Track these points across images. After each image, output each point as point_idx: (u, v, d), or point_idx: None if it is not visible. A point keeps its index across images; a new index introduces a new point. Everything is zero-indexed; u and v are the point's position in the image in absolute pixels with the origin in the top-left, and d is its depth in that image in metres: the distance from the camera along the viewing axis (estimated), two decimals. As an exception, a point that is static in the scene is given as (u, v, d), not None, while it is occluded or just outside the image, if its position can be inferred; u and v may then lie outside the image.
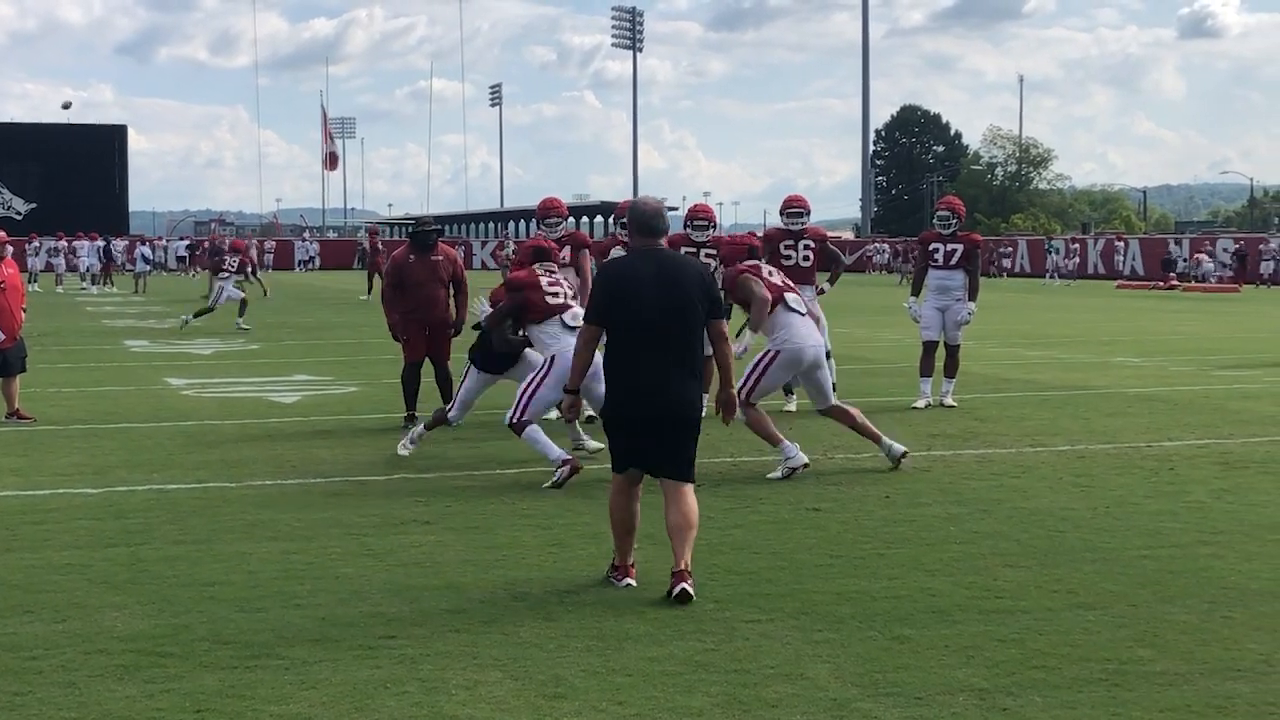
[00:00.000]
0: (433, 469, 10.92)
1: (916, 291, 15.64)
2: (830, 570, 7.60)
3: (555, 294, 10.88)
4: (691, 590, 6.88)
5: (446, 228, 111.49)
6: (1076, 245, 62.42)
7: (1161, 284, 52.19)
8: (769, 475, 10.44)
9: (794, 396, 14.44)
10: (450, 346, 13.40)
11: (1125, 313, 34.72)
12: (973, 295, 14.88)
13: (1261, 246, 55.45)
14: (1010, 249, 66.09)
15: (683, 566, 6.95)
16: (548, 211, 14.24)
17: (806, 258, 14.37)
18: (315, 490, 10.05)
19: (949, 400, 14.70)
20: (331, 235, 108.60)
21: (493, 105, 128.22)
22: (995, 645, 6.18)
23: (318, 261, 78.73)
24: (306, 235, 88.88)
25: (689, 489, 7.17)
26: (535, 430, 10.43)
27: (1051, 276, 58.30)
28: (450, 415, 11.42)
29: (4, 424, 13.63)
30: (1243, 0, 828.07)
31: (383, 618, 6.64)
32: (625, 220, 14.34)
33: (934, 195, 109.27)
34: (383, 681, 5.68)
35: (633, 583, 7.18)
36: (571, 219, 57.72)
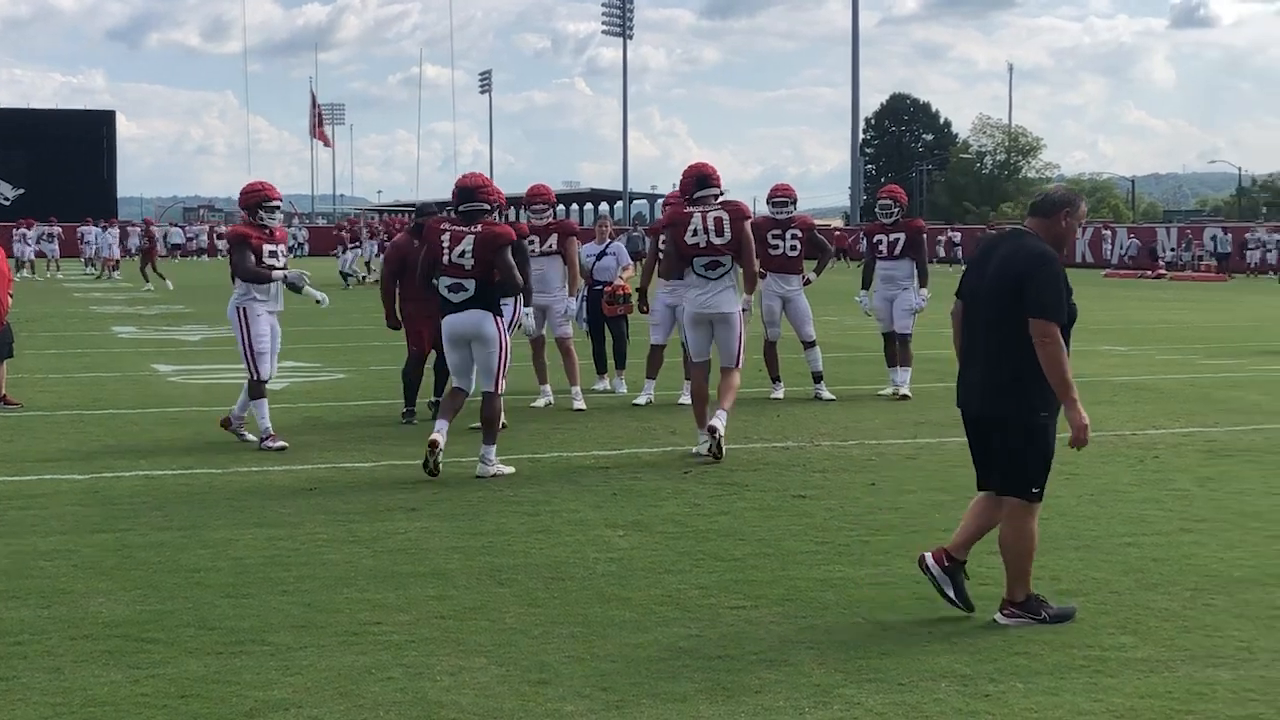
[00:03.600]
0: (419, 456, 10.91)
1: (866, 284, 15.36)
2: (815, 557, 7.63)
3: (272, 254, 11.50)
4: (1001, 620, 6.33)
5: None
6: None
7: (1149, 273, 52.32)
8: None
9: (781, 384, 14.48)
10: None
11: (1113, 301, 34.76)
12: (923, 281, 14.67)
13: (1247, 235, 55.55)
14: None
15: (1005, 595, 6.41)
16: (534, 198, 14.21)
17: (794, 247, 14.36)
18: (302, 477, 10.05)
19: (905, 390, 14.50)
20: (320, 221, 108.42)
21: (483, 92, 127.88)
22: (978, 632, 6.21)
23: (306, 248, 78.65)
24: (295, 222, 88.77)
25: (1012, 505, 6.43)
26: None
27: None
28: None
29: (-9, 410, 13.62)
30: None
31: (368, 604, 6.66)
32: (667, 208, 14.41)
33: (924, 184, 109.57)
34: (367, 667, 5.70)
35: (1012, 623, 6.33)
36: (561, 206, 57.70)
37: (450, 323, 10.24)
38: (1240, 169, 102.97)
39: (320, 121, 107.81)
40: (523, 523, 8.49)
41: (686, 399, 13.72)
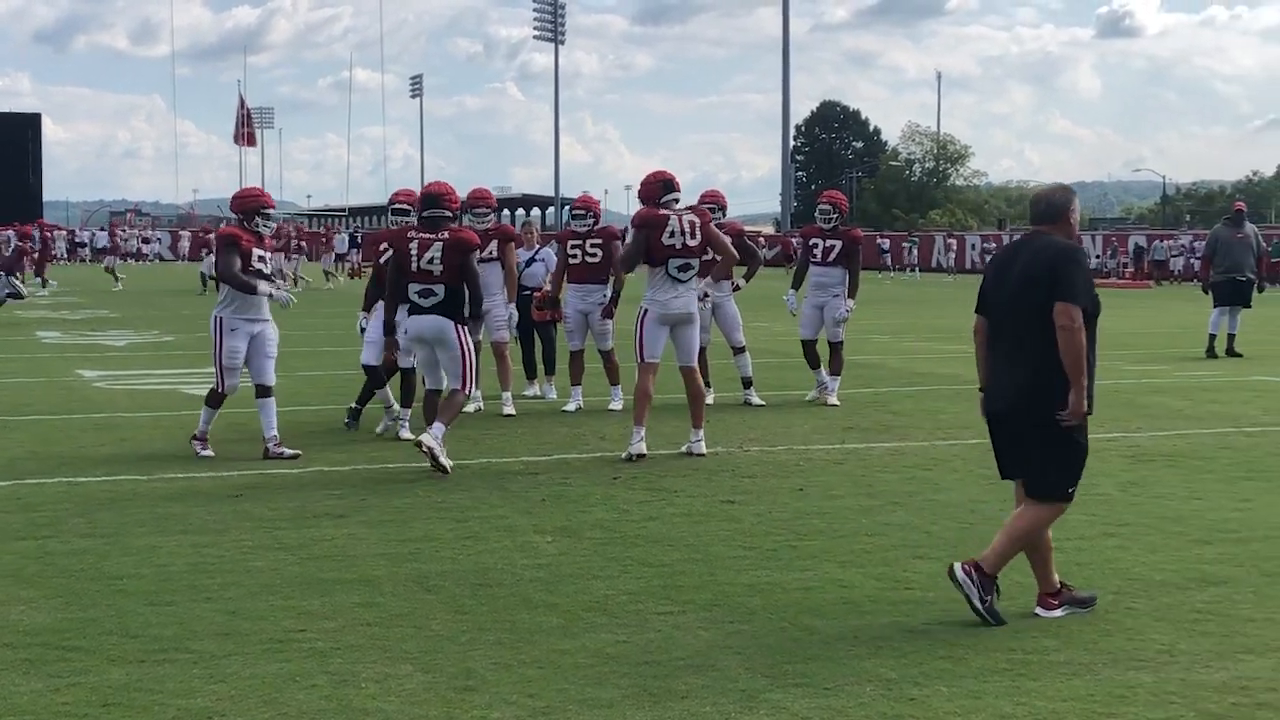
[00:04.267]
0: (347, 462, 10.89)
1: (796, 285, 15.34)
2: (743, 562, 7.65)
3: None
4: (960, 574, 6.46)
5: (364, 220, 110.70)
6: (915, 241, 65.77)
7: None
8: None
9: (710, 389, 14.50)
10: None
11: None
12: (852, 292, 14.63)
13: (1169, 242, 56.28)
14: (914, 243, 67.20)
15: (989, 567, 6.49)
16: (476, 202, 14.11)
17: (724, 252, 14.35)
18: (228, 483, 9.97)
19: (832, 399, 14.48)
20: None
21: (413, 96, 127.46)
22: (903, 636, 6.25)
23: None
24: (222, 226, 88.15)
25: (1034, 506, 6.58)
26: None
27: (911, 271, 60.72)
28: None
29: (-90, 416, 13.42)
30: (1163, 0, 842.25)
31: (294, 611, 6.61)
32: (575, 212, 14.45)
33: (853, 190, 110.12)
34: (292, 675, 5.66)
35: (1058, 614, 6.54)
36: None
37: (415, 323, 10.66)
38: (1164, 177, 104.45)
39: (248, 124, 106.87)
40: (451, 529, 8.46)
41: (616, 405, 13.80)
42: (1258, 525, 8.47)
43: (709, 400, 14.26)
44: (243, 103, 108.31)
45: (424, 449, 10.08)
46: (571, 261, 14.10)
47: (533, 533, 8.37)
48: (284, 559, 7.67)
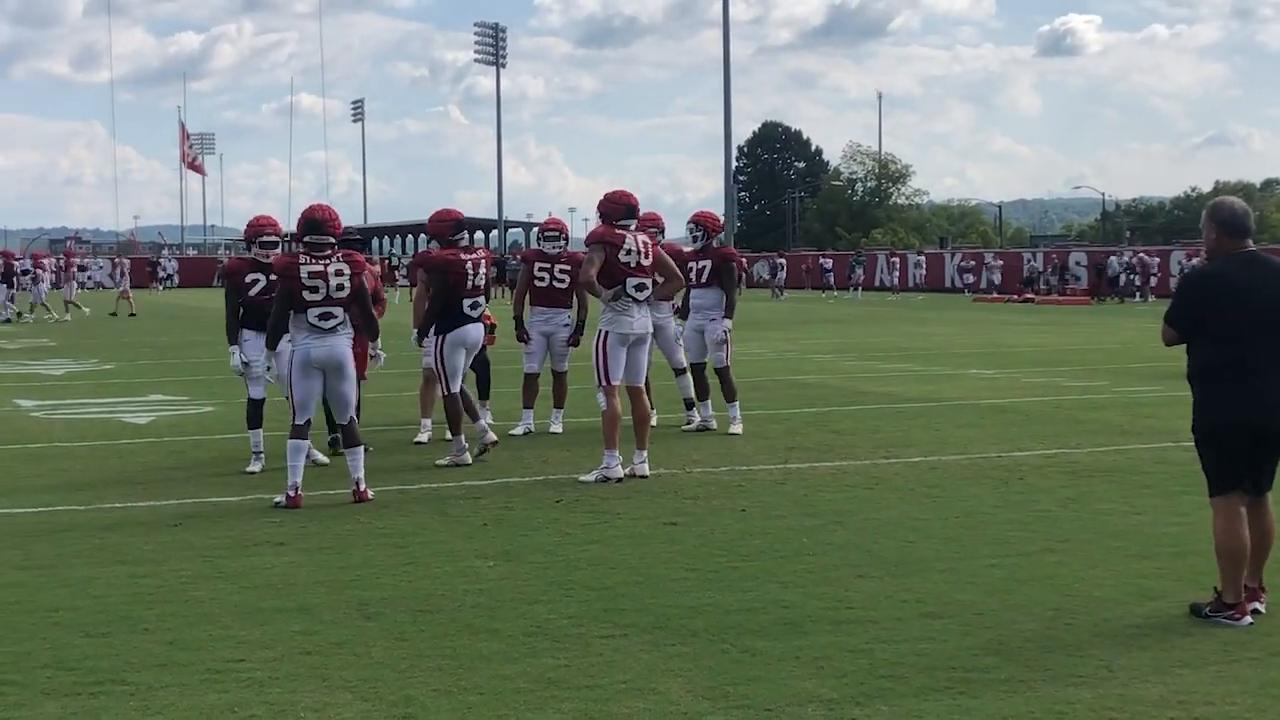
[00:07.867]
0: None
1: (685, 314, 14.67)
2: (685, 584, 7.64)
3: (314, 288, 10.28)
4: (1263, 608, 6.94)
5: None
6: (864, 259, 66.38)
7: (1016, 297, 53.33)
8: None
9: (654, 411, 14.46)
10: (366, 367, 12.32)
11: (982, 326, 35.34)
12: (728, 312, 14.20)
13: (1112, 258, 56.73)
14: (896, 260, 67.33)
15: (1260, 584, 7.03)
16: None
17: (663, 275, 14.26)
18: (167, 512, 9.87)
19: (735, 427, 13.87)
20: (191, 253, 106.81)
21: (355, 121, 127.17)
22: (845, 656, 6.25)
23: (176, 279, 77.59)
24: (165, 253, 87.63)
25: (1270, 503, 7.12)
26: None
27: (855, 290, 60.97)
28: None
29: None
30: (1104, 19, 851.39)
31: (232, 641, 6.55)
32: (548, 233, 14.26)
33: (796, 211, 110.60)
34: (230, 705, 5.60)
35: (1251, 619, 6.85)
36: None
37: (470, 330, 11.93)
38: (1104, 194, 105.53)
39: (191, 153, 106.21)
40: (391, 555, 8.41)
41: (557, 427, 13.79)
42: (1195, 539, 8.52)
43: (652, 422, 14.24)
44: (184, 130, 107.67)
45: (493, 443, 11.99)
46: (539, 285, 14.00)
47: (474, 558, 8.34)
48: (223, 588, 7.60)
